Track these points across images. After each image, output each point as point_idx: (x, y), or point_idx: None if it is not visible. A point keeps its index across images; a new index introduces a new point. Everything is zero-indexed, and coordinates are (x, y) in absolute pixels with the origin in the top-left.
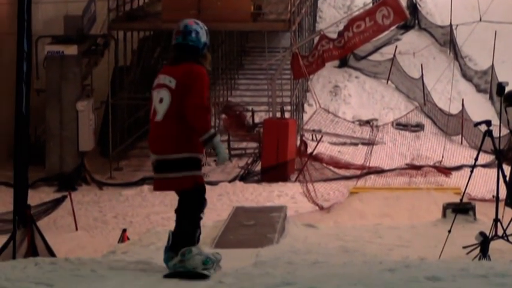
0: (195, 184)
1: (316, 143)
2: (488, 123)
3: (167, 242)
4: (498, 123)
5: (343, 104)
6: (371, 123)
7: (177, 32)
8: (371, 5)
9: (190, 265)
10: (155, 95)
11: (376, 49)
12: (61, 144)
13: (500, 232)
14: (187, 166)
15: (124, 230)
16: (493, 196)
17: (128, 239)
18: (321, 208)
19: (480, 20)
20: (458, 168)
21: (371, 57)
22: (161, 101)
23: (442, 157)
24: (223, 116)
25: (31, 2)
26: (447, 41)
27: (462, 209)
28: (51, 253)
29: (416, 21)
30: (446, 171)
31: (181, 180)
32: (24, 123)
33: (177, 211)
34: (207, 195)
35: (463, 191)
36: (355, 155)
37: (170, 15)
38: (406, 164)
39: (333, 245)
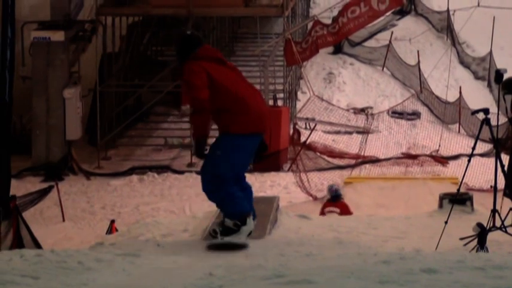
0: None
1: (309, 131)
2: (486, 111)
3: None
4: (496, 111)
5: (338, 92)
6: (366, 111)
7: (333, 191)
8: None
9: None
10: None
11: (372, 35)
12: (47, 133)
13: (498, 223)
14: None
15: (112, 221)
16: (491, 186)
17: (116, 230)
18: (315, 198)
19: (478, 5)
20: (456, 157)
21: (366, 44)
22: None
23: (439, 146)
24: None
25: None
26: (444, 26)
27: (459, 199)
28: (37, 245)
29: (413, 7)
30: (443, 160)
31: None
32: (7, 112)
33: None
34: (198, 185)
35: (460, 181)
36: (350, 144)
37: (160, 0)
38: (402, 153)
39: (327, 236)
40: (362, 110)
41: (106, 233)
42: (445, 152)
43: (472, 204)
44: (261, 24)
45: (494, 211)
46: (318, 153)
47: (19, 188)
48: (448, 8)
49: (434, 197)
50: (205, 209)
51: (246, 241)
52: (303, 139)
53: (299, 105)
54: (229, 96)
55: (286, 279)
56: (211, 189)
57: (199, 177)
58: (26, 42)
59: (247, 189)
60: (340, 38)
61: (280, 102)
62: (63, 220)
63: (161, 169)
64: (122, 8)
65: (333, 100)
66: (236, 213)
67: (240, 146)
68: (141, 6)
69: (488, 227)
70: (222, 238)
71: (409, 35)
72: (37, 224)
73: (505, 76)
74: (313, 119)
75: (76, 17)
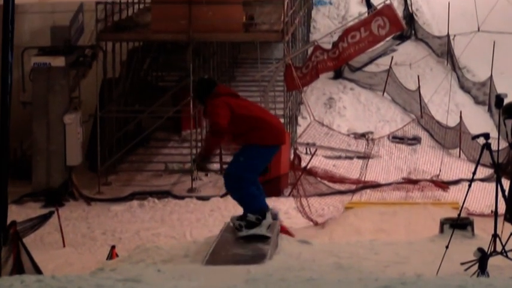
0: None
1: (310, 156)
2: (486, 136)
3: None
4: (497, 136)
5: (338, 117)
6: (366, 136)
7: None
8: (366, 14)
9: None
10: None
11: (372, 60)
12: (48, 158)
13: (499, 248)
14: None
15: (113, 247)
16: (492, 211)
17: (117, 255)
18: (316, 223)
19: (478, 30)
20: (456, 182)
21: (366, 69)
22: None
23: (440, 171)
24: None
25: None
26: (444, 51)
27: (460, 224)
28: (38, 270)
29: (413, 32)
30: (443, 185)
31: None
32: (5, 137)
33: None
34: (198, 211)
35: (461, 205)
36: (350, 169)
37: (160, 25)
38: (403, 178)
39: (328, 261)
40: (362, 135)
41: (106, 259)
42: (445, 177)
43: (472, 229)
44: (261, 50)
45: (495, 236)
46: (319, 178)
47: (19, 213)
48: (448, 33)
49: (435, 222)
50: (205, 234)
51: (267, 232)
52: (303, 164)
53: (299, 130)
54: (251, 118)
55: None
56: (233, 189)
57: (199, 202)
58: (26, 67)
59: (260, 188)
60: (340, 63)
61: None
62: (64, 246)
63: (162, 194)
64: (122, 33)
65: (333, 125)
66: (257, 209)
67: (261, 154)
68: (141, 32)
69: (489, 252)
70: (247, 231)
71: (409, 60)
72: (37, 250)
73: (506, 101)
74: (313, 144)
75: (76, 42)
